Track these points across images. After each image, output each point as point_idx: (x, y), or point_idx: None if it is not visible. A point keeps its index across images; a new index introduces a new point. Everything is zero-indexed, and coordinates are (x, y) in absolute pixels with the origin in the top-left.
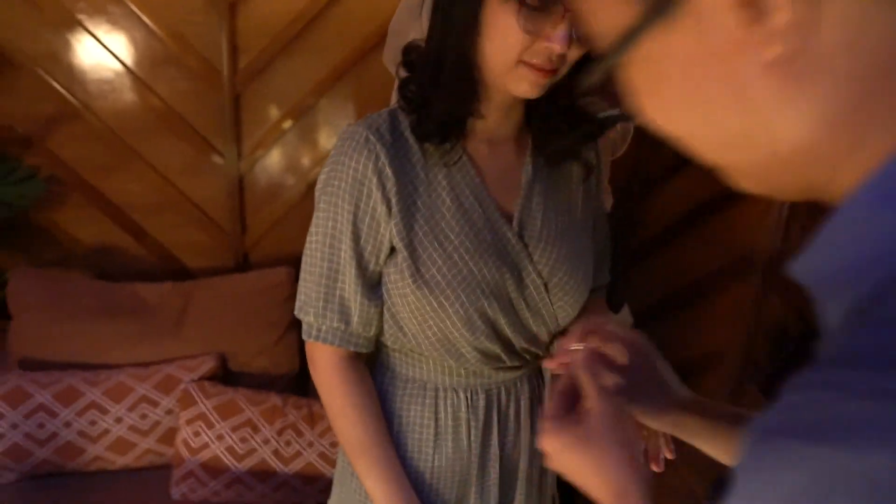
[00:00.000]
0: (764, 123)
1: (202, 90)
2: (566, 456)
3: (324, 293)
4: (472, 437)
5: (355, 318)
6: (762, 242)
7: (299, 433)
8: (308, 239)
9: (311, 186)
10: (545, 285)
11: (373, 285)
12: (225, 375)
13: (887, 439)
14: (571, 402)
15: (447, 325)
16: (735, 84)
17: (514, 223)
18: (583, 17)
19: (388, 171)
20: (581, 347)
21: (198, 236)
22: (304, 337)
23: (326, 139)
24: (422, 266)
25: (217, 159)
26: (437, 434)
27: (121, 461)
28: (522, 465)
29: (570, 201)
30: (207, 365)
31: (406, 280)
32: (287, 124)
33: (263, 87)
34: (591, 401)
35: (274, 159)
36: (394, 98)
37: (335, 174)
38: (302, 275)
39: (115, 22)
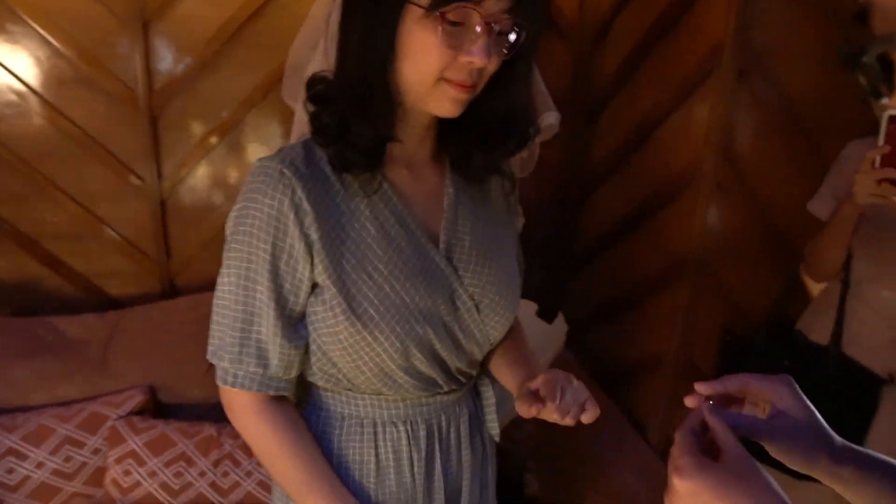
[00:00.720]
0: None
1: (118, 112)
2: (706, 495)
3: (239, 338)
4: (416, 470)
5: (274, 362)
6: (693, 246)
7: (236, 463)
8: (220, 280)
9: None
10: (476, 306)
11: (293, 326)
12: (156, 409)
13: None
14: (701, 443)
15: (383, 358)
16: None
17: (441, 247)
18: None
19: (306, 205)
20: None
21: (121, 264)
22: (219, 383)
23: (255, 155)
24: (353, 301)
25: (136, 181)
26: (378, 470)
27: None
28: (465, 483)
29: (495, 218)
30: (136, 399)
31: (338, 317)
32: (213, 141)
33: (185, 105)
34: (726, 443)
35: (199, 179)
36: (295, 133)
37: (248, 211)
38: (214, 318)
39: (15, 42)
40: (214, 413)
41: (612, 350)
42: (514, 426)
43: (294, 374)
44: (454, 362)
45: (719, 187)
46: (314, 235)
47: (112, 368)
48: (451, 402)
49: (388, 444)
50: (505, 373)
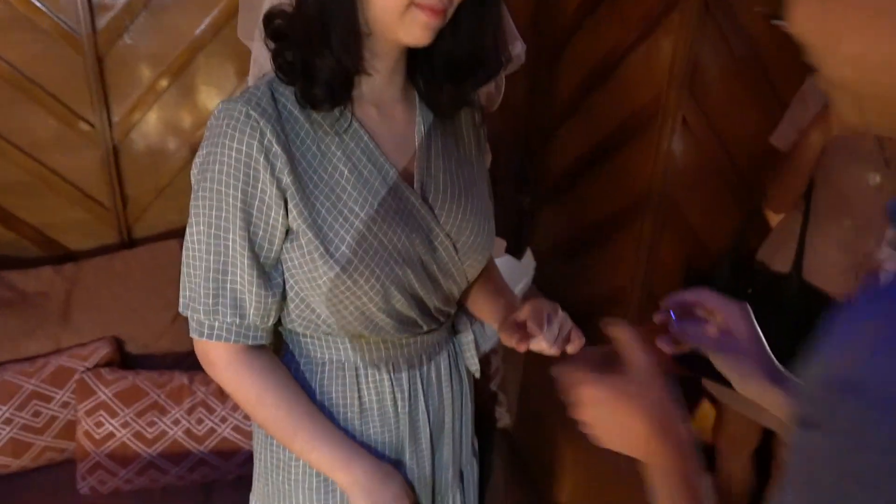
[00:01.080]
0: None
1: (60, 55)
2: (604, 405)
3: (213, 288)
4: (400, 411)
5: (251, 311)
6: (657, 181)
7: (210, 409)
8: (189, 231)
9: (195, 149)
10: (454, 245)
11: (268, 273)
12: (124, 361)
13: None
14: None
15: (363, 301)
16: None
17: (416, 186)
18: None
19: (276, 148)
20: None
21: (76, 215)
22: (193, 336)
23: (208, 98)
24: (330, 245)
25: (86, 128)
26: (361, 413)
27: (17, 464)
28: (447, 420)
29: (467, 156)
30: (102, 352)
31: (316, 262)
32: (163, 84)
33: (132, 47)
34: (632, 356)
35: (152, 124)
36: (253, 73)
37: (215, 157)
38: (184, 269)
39: None
40: (185, 362)
41: (577, 285)
42: (482, 360)
43: (271, 322)
44: (433, 302)
45: (684, 122)
46: (287, 179)
47: (74, 322)
48: (431, 342)
49: (371, 386)
50: (483, 307)
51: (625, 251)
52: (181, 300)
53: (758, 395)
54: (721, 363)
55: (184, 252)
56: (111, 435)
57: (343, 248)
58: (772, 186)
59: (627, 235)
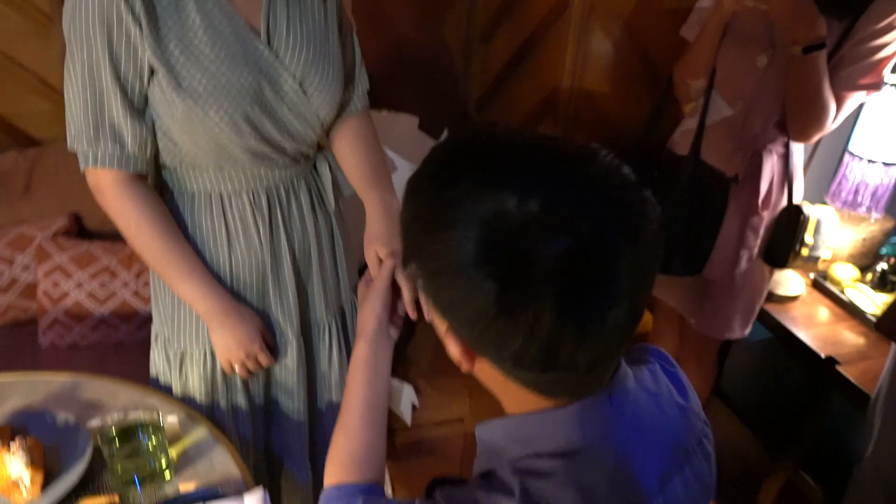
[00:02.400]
0: None
1: None
2: (361, 288)
3: (92, 120)
4: (262, 234)
5: (129, 140)
6: (562, 83)
7: None
8: (66, 72)
9: None
10: (301, 86)
11: (141, 108)
12: (81, 233)
13: None
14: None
15: (215, 132)
16: None
17: (262, 34)
18: None
19: None
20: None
21: (38, 104)
22: (82, 165)
23: None
24: (182, 80)
25: (42, 19)
26: (228, 239)
27: None
28: (314, 255)
29: (311, 8)
30: (60, 223)
31: (170, 95)
32: None
33: None
34: (377, 280)
35: None
36: None
37: (80, 3)
38: (67, 107)
39: None
40: None
41: None
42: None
43: (149, 153)
44: (286, 141)
45: (592, 10)
46: (143, 20)
47: (36, 197)
48: (289, 177)
49: (236, 213)
50: (363, 192)
51: None
52: (68, 137)
53: None
54: None
55: (65, 93)
56: (66, 294)
57: (193, 82)
58: (677, 73)
59: (548, 125)
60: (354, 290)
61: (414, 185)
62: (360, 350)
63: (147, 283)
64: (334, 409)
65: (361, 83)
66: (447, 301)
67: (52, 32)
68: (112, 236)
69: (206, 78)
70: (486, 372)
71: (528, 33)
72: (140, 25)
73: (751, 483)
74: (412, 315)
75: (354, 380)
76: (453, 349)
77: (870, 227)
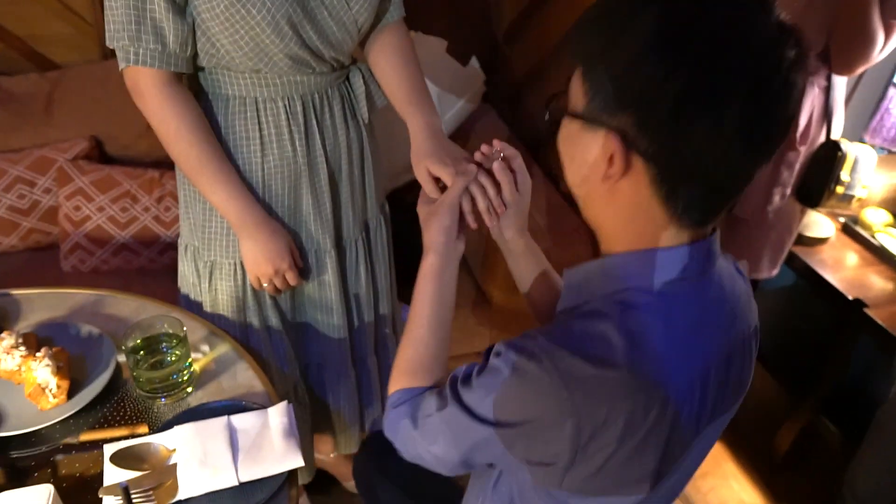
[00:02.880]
0: None
1: None
2: (423, 208)
3: (135, 16)
4: (298, 142)
5: (171, 38)
6: None
7: (178, 199)
8: None
9: None
10: None
11: (182, 4)
12: (102, 158)
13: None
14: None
15: (256, 31)
16: None
17: None
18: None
19: None
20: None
21: (59, 28)
22: (122, 64)
23: None
24: None
25: None
26: (262, 144)
27: (7, 242)
28: (344, 165)
29: None
30: (80, 146)
31: None
32: None
33: None
34: (446, 195)
35: None
36: None
37: None
38: (107, 3)
39: None
40: (164, 165)
41: (536, 112)
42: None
43: (189, 52)
44: (325, 47)
45: None
46: None
47: (57, 120)
48: (324, 84)
49: (270, 119)
50: (404, 110)
51: None
52: (107, 34)
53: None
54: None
55: None
56: (88, 217)
57: None
58: None
59: None
60: (381, 207)
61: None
62: (430, 262)
63: (168, 209)
64: (367, 327)
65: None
66: (637, 90)
67: None
68: (133, 161)
69: None
70: (629, 193)
71: None
72: None
73: (769, 427)
74: (488, 221)
75: (423, 291)
76: (616, 161)
77: None
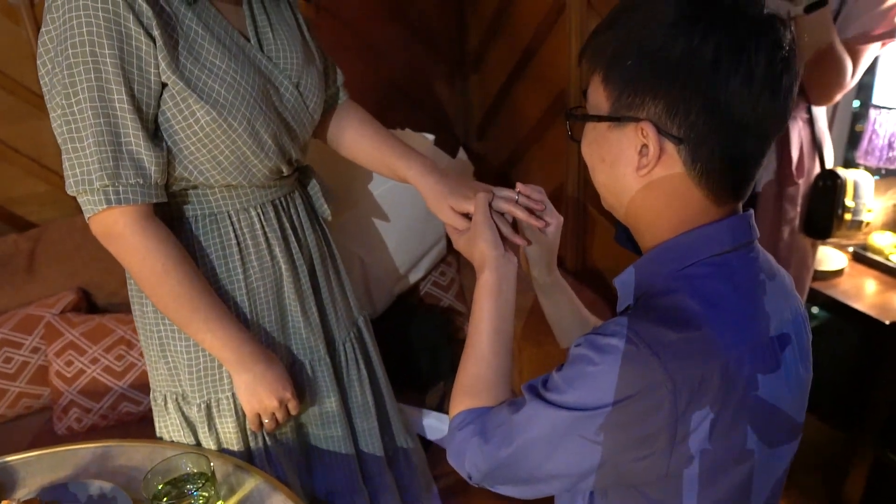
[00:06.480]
0: None
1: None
2: (461, 240)
3: (111, 152)
4: (277, 248)
5: (152, 169)
6: (569, 80)
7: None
8: (65, 107)
9: None
10: (297, 88)
11: (154, 130)
12: (91, 308)
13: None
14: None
15: (238, 144)
16: None
17: (252, 41)
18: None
19: (140, 2)
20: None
21: (34, 186)
22: (98, 207)
23: None
24: (202, 91)
25: (35, 99)
26: (242, 257)
27: None
28: (319, 266)
29: (283, 13)
30: (68, 299)
31: (191, 109)
32: None
33: None
34: (477, 214)
35: None
36: None
37: (80, 23)
38: (70, 146)
39: None
40: None
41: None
42: (439, 275)
43: (164, 179)
44: (293, 148)
45: (590, 6)
46: (156, 32)
47: (40, 276)
48: (289, 185)
49: (245, 230)
50: (394, 167)
51: (559, 147)
52: (70, 181)
53: (553, 284)
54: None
55: (65, 129)
56: (81, 371)
57: (213, 93)
58: None
59: (558, 132)
60: (362, 308)
61: None
62: (486, 279)
63: None
64: (373, 439)
65: (338, 75)
66: (674, 62)
67: (46, 113)
68: (123, 307)
69: (224, 88)
70: (664, 179)
71: (526, 42)
72: (153, 38)
73: (835, 476)
74: (521, 242)
75: (482, 308)
76: (651, 148)
77: None
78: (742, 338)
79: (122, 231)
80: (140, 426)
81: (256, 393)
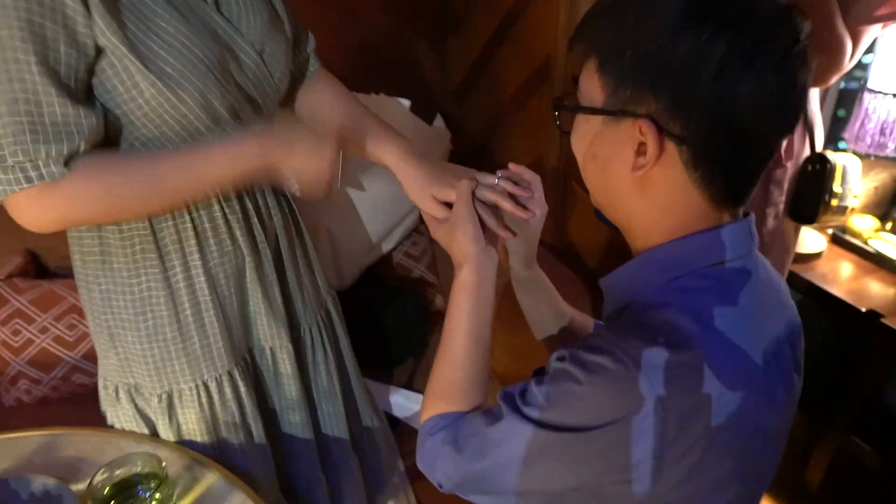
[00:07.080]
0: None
1: None
2: (439, 230)
3: (27, 123)
4: (238, 230)
5: (86, 132)
6: (555, 47)
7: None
8: None
9: None
10: (260, 56)
11: (87, 93)
12: (40, 273)
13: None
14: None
15: (189, 118)
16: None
17: (210, 1)
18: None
19: None
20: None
21: None
22: (15, 188)
23: None
24: (148, 61)
25: None
26: (199, 243)
27: None
28: (285, 248)
29: None
30: (13, 263)
31: (134, 79)
32: None
33: None
34: (458, 204)
35: None
36: None
37: None
38: None
39: None
40: None
41: (506, 159)
42: (410, 244)
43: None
44: (252, 121)
45: None
46: None
47: None
48: None
49: (202, 211)
50: (370, 149)
51: (540, 119)
52: None
53: (535, 279)
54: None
55: None
56: (30, 341)
57: (160, 63)
58: None
59: (540, 102)
60: (332, 296)
61: None
62: (465, 276)
63: None
64: (338, 422)
65: (309, 43)
66: (677, 64)
67: None
68: None
69: (174, 56)
70: (662, 181)
71: (510, 3)
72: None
73: (799, 460)
74: (505, 235)
75: (458, 307)
76: (650, 148)
77: (879, 175)
78: (735, 363)
79: (54, 192)
80: (94, 399)
81: (311, 159)
